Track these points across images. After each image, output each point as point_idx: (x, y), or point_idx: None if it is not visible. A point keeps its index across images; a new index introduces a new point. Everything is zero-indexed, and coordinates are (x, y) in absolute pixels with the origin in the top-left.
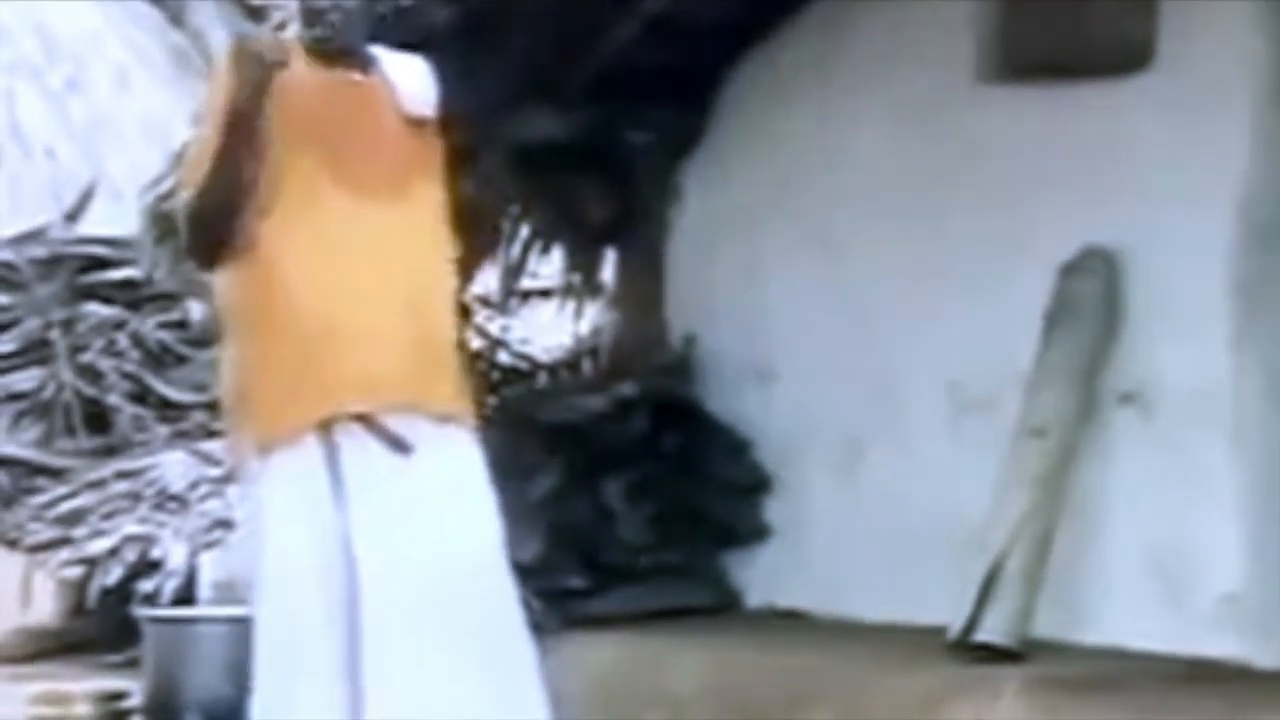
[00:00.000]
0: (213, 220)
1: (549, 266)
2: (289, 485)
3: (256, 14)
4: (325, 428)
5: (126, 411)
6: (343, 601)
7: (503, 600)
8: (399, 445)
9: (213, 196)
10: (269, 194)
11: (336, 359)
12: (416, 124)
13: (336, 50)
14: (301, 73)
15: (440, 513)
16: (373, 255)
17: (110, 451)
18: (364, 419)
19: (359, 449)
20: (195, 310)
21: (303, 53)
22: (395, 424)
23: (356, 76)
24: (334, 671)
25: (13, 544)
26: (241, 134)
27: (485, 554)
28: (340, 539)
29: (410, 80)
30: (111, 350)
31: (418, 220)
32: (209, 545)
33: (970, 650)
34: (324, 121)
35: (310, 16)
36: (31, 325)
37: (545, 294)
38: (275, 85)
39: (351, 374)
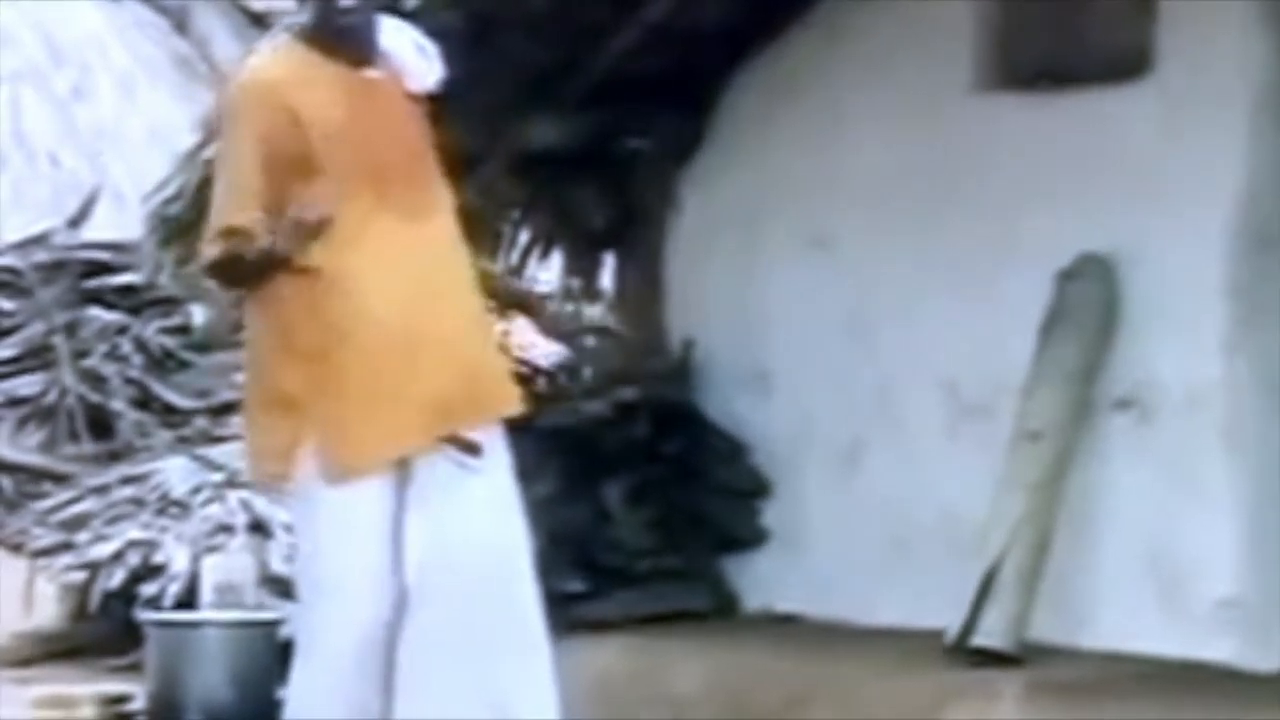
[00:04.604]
0: (259, 267)
1: (548, 271)
2: (356, 499)
3: (259, 21)
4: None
5: (129, 417)
6: (389, 604)
7: (529, 598)
8: (473, 450)
9: (256, 256)
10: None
11: (420, 385)
12: (419, 100)
13: (347, 42)
14: (323, 93)
15: (483, 514)
16: (428, 274)
17: (113, 457)
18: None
19: (427, 459)
20: (198, 315)
21: (307, 46)
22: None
23: (370, 74)
24: (370, 670)
25: (16, 549)
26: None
27: (518, 552)
28: (394, 545)
29: (410, 53)
30: (114, 355)
31: (450, 230)
32: (211, 550)
33: (968, 654)
34: (362, 147)
35: (327, 10)
36: (35, 330)
37: (544, 299)
38: (306, 112)
39: (434, 398)
